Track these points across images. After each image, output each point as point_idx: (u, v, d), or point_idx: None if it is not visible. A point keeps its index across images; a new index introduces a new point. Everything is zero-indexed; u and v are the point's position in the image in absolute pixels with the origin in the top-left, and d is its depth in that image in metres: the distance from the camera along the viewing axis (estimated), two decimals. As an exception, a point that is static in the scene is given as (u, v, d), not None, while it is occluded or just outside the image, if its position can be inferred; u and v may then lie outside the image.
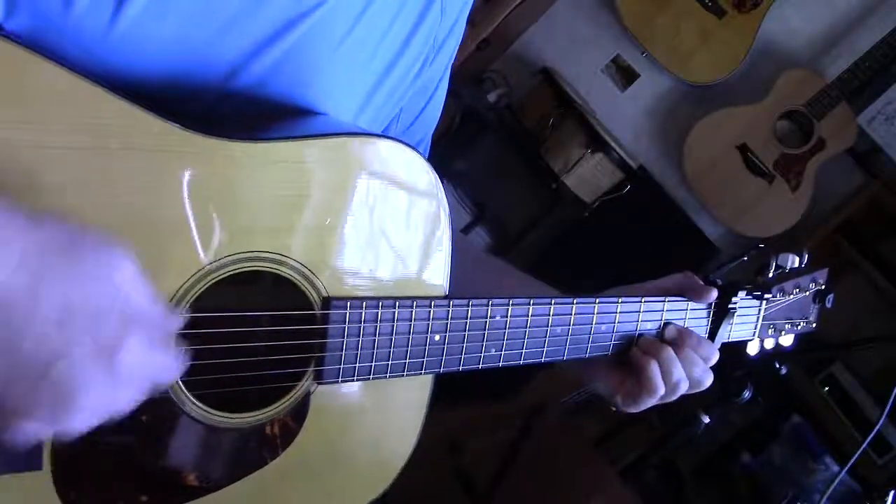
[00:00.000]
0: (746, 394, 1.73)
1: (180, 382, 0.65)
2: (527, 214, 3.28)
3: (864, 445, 1.39)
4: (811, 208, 2.82)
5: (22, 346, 0.46)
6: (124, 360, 0.50)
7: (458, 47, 0.91)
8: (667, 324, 0.95)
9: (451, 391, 0.89)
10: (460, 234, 0.82)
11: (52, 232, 0.48)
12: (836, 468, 2.43)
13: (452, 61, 0.92)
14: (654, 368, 0.89)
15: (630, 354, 0.92)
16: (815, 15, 2.94)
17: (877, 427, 1.38)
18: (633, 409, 0.92)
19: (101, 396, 0.49)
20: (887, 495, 1.64)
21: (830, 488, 1.55)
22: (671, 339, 0.93)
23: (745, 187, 2.88)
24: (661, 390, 0.89)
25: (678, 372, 0.89)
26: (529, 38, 3.38)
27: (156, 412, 0.64)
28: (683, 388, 0.90)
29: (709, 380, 0.93)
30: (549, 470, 2.20)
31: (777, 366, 1.67)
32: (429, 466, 1.22)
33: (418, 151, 0.74)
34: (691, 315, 0.97)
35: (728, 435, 2.78)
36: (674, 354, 0.90)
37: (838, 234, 2.70)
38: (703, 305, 0.98)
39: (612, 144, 2.94)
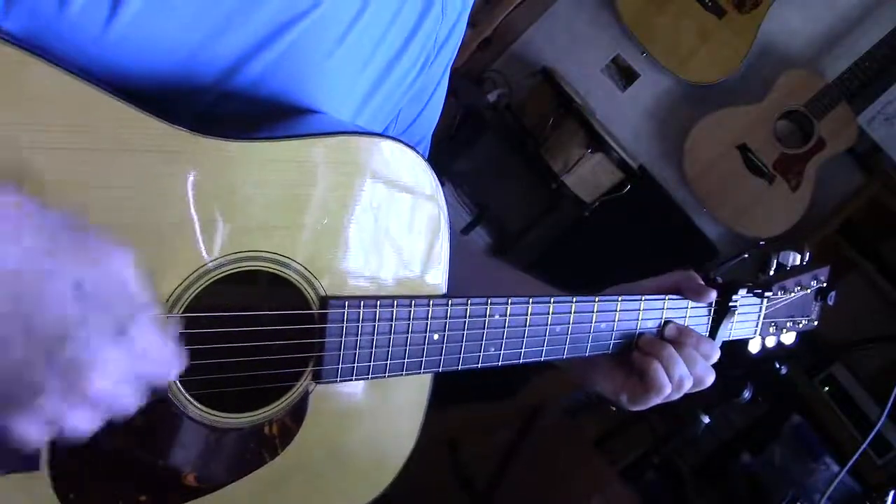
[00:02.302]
0: (746, 394, 1.72)
1: (178, 382, 0.65)
2: (527, 214, 3.28)
3: (864, 445, 1.39)
4: (811, 208, 2.82)
5: (35, 324, 0.46)
6: (134, 340, 0.50)
7: (458, 49, 0.91)
8: (667, 322, 0.95)
9: (450, 391, 0.89)
10: (459, 235, 0.82)
11: (61, 219, 0.49)
12: (836, 468, 2.42)
13: (452, 62, 0.92)
14: (658, 368, 0.89)
15: (632, 356, 0.92)
16: (815, 15, 2.94)
17: (877, 427, 1.37)
18: (638, 408, 0.92)
19: (111, 377, 0.48)
20: (887, 495, 1.64)
21: (830, 488, 1.55)
22: (671, 337, 0.93)
23: (745, 187, 2.88)
24: (667, 389, 0.89)
25: (681, 370, 0.89)
26: (529, 38, 3.38)
27: (154, 412, 0.64)
28: (688, 386, 0.90)
29: (710, 378, 0.93)
30: (549, 470, 2.20)
31: (777, 366, 1.66)
32: (429, 466, 1.22)
33: (418, 152, 0.74)
34: (692, 313, 0.97)
35: (728, 435, 2.78)
36: (675, 353, 0.90)
37: (838, 234, 2.69)
38: (703, 304, 0.98)
39: (612, 144, 2.93)
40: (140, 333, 0.50)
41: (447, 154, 3.13)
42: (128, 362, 0.49)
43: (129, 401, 0.51)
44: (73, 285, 0.47)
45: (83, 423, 0.49)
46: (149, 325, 0.51)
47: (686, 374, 0.90)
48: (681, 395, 0.91)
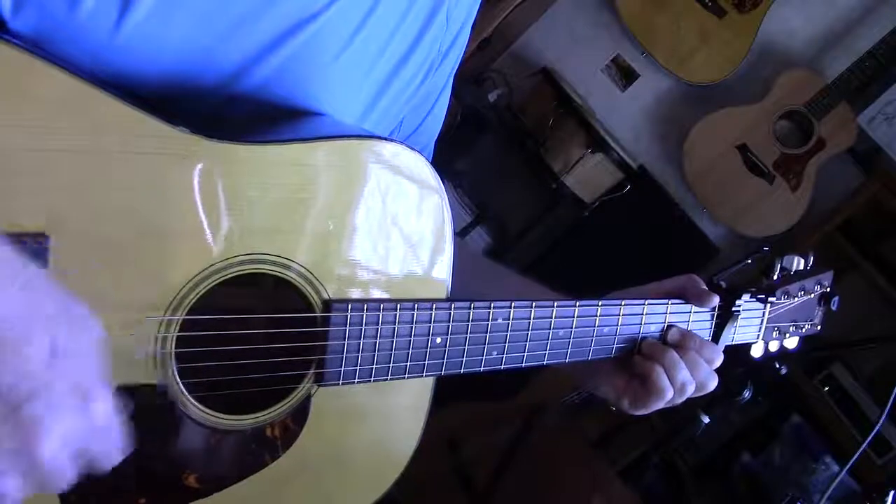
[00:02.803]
0: (746, 394, 1.72)
1: (181, 384, 0.65)
2: (527, 214, 3.28)
3: (864, 445, 1.39)
4: (811, 208, 2.82)
5: (2, 380, 0.46)
6: (94, 414, 0.50)
7: (461, 57, 0.90)
8: (670, 326, 0.95)
9: (451, 391, 0.89)
10: (459, 239, 0.82)
11: (46, 281, 0.49)
12: (836, 468, 2.42)
13: (456, 71, 0.92)
14: (660, 372, 0.89)
15: (633, 360, 0.92)
16: (815, 15, 2.94)
17: (877, 427, 1.37)
18: (641, 412, 0.92)
19: (62, 443, 0.48)
20: (887, 495, 1.64)
21: (830, 488, 1.55)
22: (674, 341, 0.93)
23: (745, 187, 2.88)
24: (669, 393, 0.89)
25: (683, 374, 0.89)
26: (529, 38, 3.38)
27: (157, 413, 0.64)
28: (690, 391, 0.90)
29: (713, 383, 0.92)
30: (548, 470, 2.20)
31: (777, 366, 1.67)
32: (429, 464, 1.22)
33: (422, 154, 0.74)
34: (695, 317, 0.97)
35: (728, 435, 2.77)
36: (678, 357, 0.90)
37: (838, 234, 2.69)
38: (706, 309, 0.98)
39: (612, 144, 2.93)
40: (99, 409, 0.50)
41: (447, 154, 3.13)
42: (81, 433, 0.49)
43: (67, 473, 0.49)
44: (51, 345, 0.47)
45: (14, 485, 0.47)
46: (108, 404, 0.51)
47: (688, 379, 0.90)
48: (683, 399, 0.91)
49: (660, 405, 0.90)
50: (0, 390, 0.46)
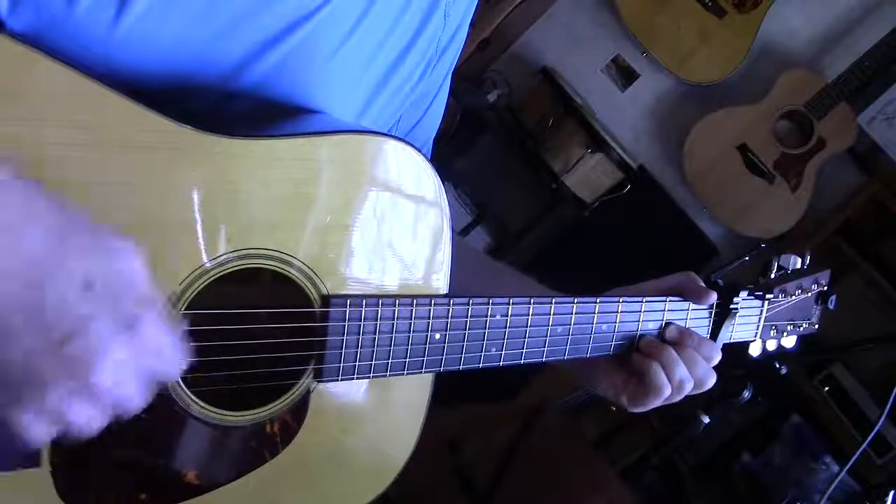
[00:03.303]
0: (746, 394, 1.72)
1: (180, 380, 0.64)
2: (527, 214, 3.28)
3: (864, 445, 1.39)
4: (811, 208, 2.82)
5: (45, 314, 0.46)
6: (142, 336, 0.50)
7: (459, 55, 0.91)
8: (668, 324, 0.95)
9: (451, 391, 0.89)
10: (459, 236, 0.82)
11: (74, 214, 0.49)
12: (836, 468, 2.42)
13: (454, 68, 0.92)
14: (658, 370, 0.89)
15: (632, 358, 0.92)
16: (815, 15, 2.94)
17: (877, 427, 1.37)
18: (639, 410, 0.92)
19: (118, 371, 0.48)
20: (887, 495, 1.64)
21: (830, 488, 1.55)
22: (672, 339, 0.93)
23: (745, 187, 2.88)
24: (667, 391, 0.89)
25: (681, 372, 0.89)
26: (529, 38, 3.38)
27: (156, 409, 0.64)
28: (688, 388, 0.90)
29: (711, 380, 0.93)
30: (548, 470, 2.20)
31: (777, 366, 1.66)
32: (429, 465, 1.22)
33: (421, 151, 0.74)
34: (693, 315, 0.97)
35: (728, 435, 2.77)
36: (675, 355, 0.90)
37: (838, 235, 2.69)
38: (704, 306, 0.98)
39: (612, 144, 2.94)
40: (147, 330, 0.51)
41: (447, 154, 3.13)
42: (134, 358, 0.50)
43: (134, 397, 0.51)
44: (82, 279, 0.48)
45: (88, 418, 0.49)
46: (156, 322, 0.52)
47: (686, 377, 0.90)
48: (681, 396, 0.92)
49: (657, 402, 0.90)
50: (42, 327, 0.46)
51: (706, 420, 1.90)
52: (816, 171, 2.80)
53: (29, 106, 0.53)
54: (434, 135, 0.98)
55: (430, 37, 0.82)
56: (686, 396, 0.92)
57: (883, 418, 1.34)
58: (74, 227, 0.49)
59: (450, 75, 0.92)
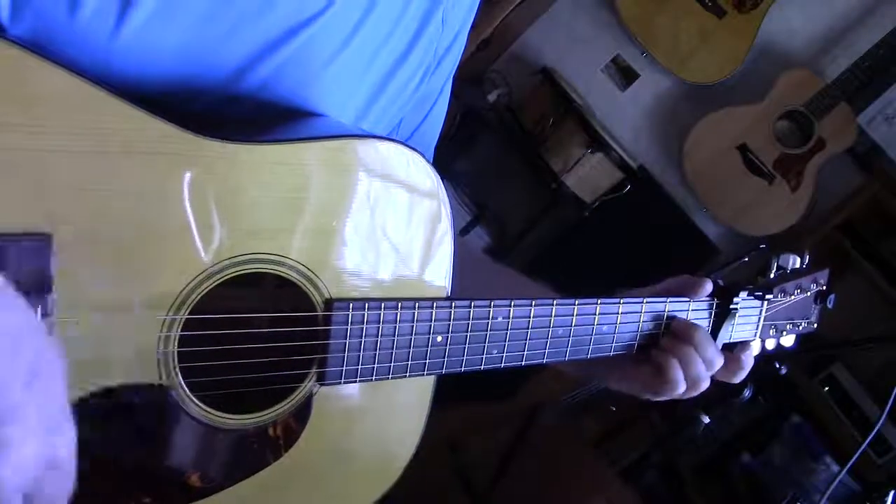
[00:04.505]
0: (746, 394, 1.73)
1: (184, 383, 0.65)
2: (527, 214, 3.28)
3: (864, 445, 1.39)
4: (811, 208, 2.82)
5: None
6: (60, 441, 0.48)
7: (458, 61, 0.91)
8: (670, 321, 0.96)
9: (451, 391, 0.89)
10: (459, 238, 0.82)
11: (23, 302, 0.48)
12: (836, 468, 2.43)
13: (454, 74, 0.92)
14: (675, 364, 0.91)
15: (650, 354, 0.94)
16: (815, 15, 2.94)
17: (877, 427, 1.38)
18: (655, 399, 0.94)
19: (24, 465, 0.46)
20: (887, 495, 1.64)
21: (830, 488, 1.55)
22: (679, 331, 0.95)
23: (745, 187, 2.88)
24: (682, 386, 0.91)
25: (698, 366, 0.92)
26: (529, 38, 3.38)
27: (159, 413, 0.64)
28: (705, 384, 0.93)
29: (706, 382, 0.94)
30: (548, 470, 2.20)
31: (777, 366, 1.67)
32: (429, 465, 1.22)
33: (419, 152, 0.74)
34: (693, 315, 0.98)
35: (728, 435, 2.77)
36: (694, 352, 0.92)
37: (838, 235, 2.69)
38: (704, 306, 0.99)
39: (612, 144, 2.94)
40: (61, 443, 0.49)
41: (447, 154, 3.14)
42: (38, 464, 0.47)
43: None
44: (31, 367, 0.46)
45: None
46: (71, 439, 0.49)
47: (702, 371, 0.92)
48: (697, 392, 0.94)
49: (672, 396, 0.92)
50: None
51: (706, 420, 1.90)
52: (816, 171, 2.80)
53: (30, 112, 0.53)
54: (436, 140, 0.98)
55: (428, 42, 0.83)
56: (685, 391, 0.94)
57: (883, 418, 1.34)
58: (26, 314, 0.48)
59: (450, 81, 0.93)
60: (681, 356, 0.91)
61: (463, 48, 0.90)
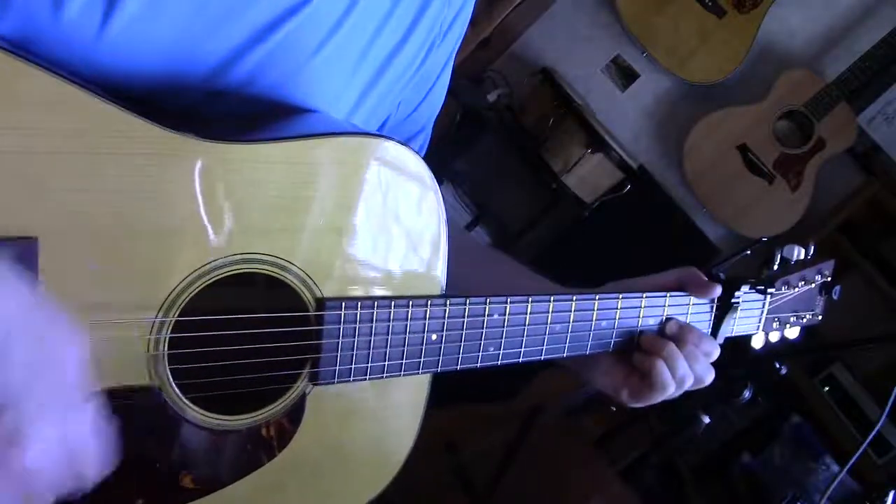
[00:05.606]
0: (746, 394, 1.73)
1: (175, 385, 0.64)
2: (527, 214, 3.28)
3: (864, 445, 1.39)
4: (811, 208, 2.82)
5: None
6: (79, 417, 0.49)
7: (462, 35, 0.89)
8: (668, 319, 0.94)
9: (450, 391, 0.88)
10: (462, 229, 0.81)
11: (27, 290, 0.49)
12: (836, 468, 2.42)
13: (457, 51, 0.91)
14: (661, 366, 0.88)
15: (634, 357, 0.92)
16: (815, 15, 2.94)
17: (877, 427, 1.37)
18: (640, 405, 0.92)
19: (48, 448, 0.47)
20: (887, 495, 1.63)
21: (830, 488, 1.55)
22: (672, 334, 0.93)
23: (745, 187, 2.88)
24: (671, 387, 0.89)
25: (683, 367, 0.89)
26: (529, 38, 3.38)
27: (152, 415, 0.64)
28: (689, 384, 0.90)
29: (710, 376, 0.92)
30: (548, 470, 2.20)
31: (777, 366, 1.66)
32: (428, 466, 1.22)
33: (415, 151, 0.73)
34: (693, 310, 0.97)
35: (728, 435, 2.77)
36: (677, 350, 0.90)
37: (838, 234, 2.69)
38: (705, 300, 0.98)
39: (612, 144, 2.93)
40: (81, 419, 0.49)
41: (447, 154, 3.13)
42: (62, 444, 0.48)
43: (51, 485, 0.48)
44: (29, 355, 0.46)
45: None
46: (91, 413, 0.50)
47: (687, 372, 0.89)
48: (681, 392, 0.91)
49: (659, 399, 0.90)
50: None
51: (706, 420, 1.90)
52: (816, 171, 2.80)
53: (18, 115, 0.52)
54: (436, 115, 0.96)
55: (433, 18, 0.81)
56: (684, 392, 0.92)
57: (883, 418, 1.34)
58: (26, 302, 0.48)
59: (453, 57, 0.91)
60: (665, 355, 0.89)
61: (467, 23, 0.88)
